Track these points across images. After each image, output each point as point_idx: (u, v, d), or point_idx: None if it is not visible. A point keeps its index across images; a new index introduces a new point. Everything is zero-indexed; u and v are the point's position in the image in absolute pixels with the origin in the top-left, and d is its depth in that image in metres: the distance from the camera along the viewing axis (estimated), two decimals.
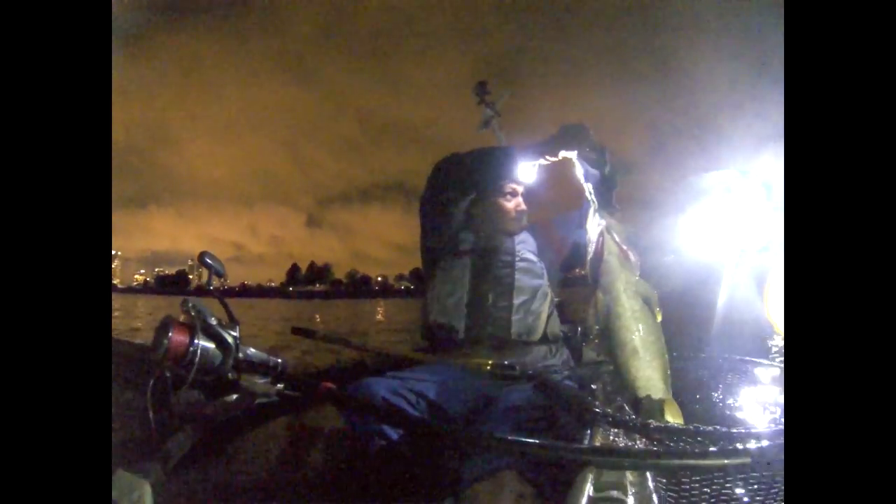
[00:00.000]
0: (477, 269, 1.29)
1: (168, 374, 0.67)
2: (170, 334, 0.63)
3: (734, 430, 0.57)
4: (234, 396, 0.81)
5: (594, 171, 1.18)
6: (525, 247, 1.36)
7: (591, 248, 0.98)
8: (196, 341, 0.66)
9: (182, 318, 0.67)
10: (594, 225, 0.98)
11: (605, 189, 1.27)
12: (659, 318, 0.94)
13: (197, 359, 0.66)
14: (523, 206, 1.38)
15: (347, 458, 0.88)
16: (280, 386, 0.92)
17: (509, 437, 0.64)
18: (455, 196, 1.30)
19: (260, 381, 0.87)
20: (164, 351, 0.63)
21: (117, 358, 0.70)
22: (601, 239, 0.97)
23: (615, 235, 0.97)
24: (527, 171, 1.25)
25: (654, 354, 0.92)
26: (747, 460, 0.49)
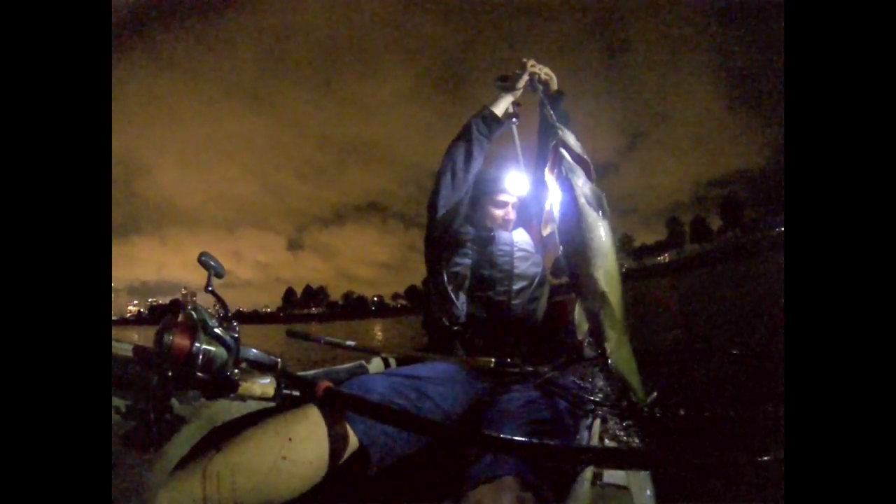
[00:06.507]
0: (477, 258, 1.35)
1: (169, 375, 0.67)
2: (171, 337, 0.63)
3: (733, 416, 0.57)
4: (234, 396, 0.81)
5: (546, 94, 1.34)
6: (523, 238, 1.43)
7: (549, 160, 1.03)
8: (197, 343, 0.65)
9: (182, 319, 0.67)
10: (551, 138, 1.04)
11: (557, 103, 1.37)
12: (608, 217, 0.94)
13: (199, 360, 0.66)
14: (511, 216, 1.46)
15: (346, 458, 0.88)
16: (280, 385, 0.92)
17: (509, 437, 0.63)
18: (458, 190, 1.39)
19: (260, 381, 0.86)
20: (167, 352, 0.63)
21: (117, 359, 0.69)
22: (557, 150, 1.01)
23: (570, 147, 1.02)
24: (520, 183, 1.40)
25: (599, 253, 0.92)
26: (745, 462, 0.49)
